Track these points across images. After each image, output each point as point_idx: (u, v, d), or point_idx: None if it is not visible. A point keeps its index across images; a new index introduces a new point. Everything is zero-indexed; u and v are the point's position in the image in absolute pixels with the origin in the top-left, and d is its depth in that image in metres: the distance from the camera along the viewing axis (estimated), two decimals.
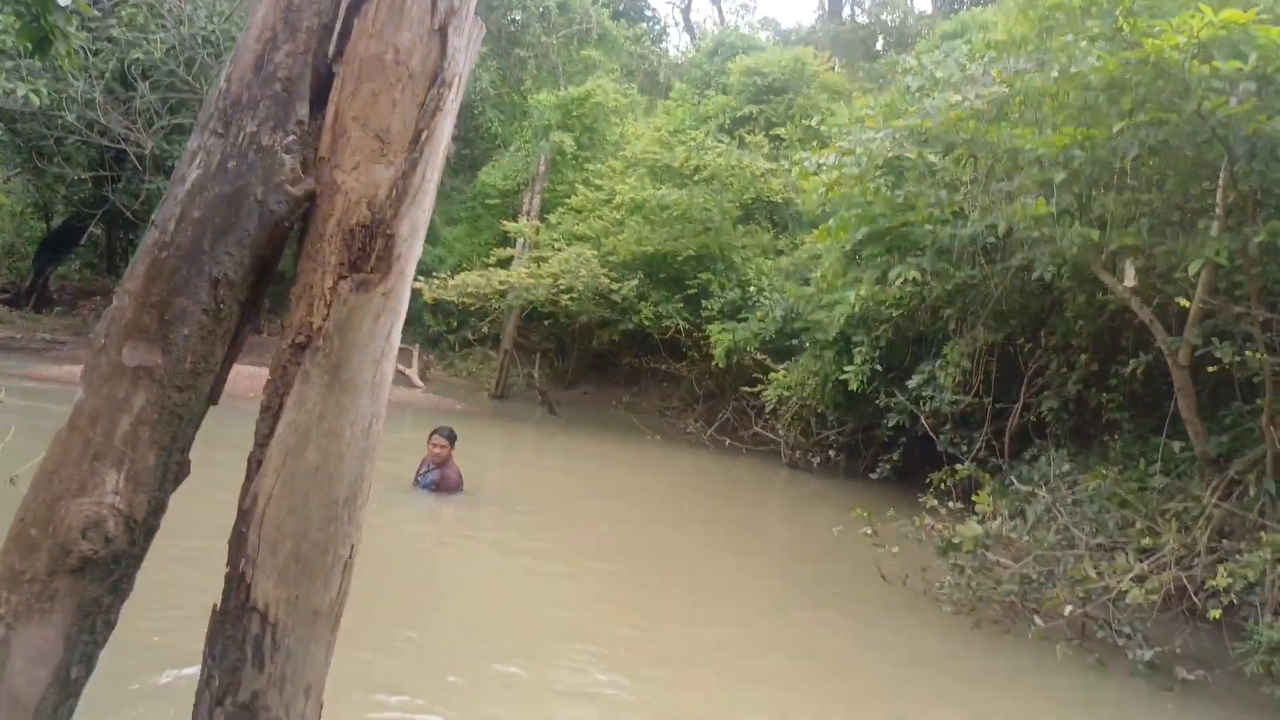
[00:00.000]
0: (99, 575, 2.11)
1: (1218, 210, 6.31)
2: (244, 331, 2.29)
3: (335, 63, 2.25)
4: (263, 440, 2.25)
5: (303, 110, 2.20)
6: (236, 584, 2.26)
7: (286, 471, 2.21)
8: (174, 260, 2.08)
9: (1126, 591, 5.30)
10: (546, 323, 18.22)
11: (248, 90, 2.17)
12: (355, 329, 2.22)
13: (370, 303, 2.24)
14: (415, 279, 2.77)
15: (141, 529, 2.16)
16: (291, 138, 2.16)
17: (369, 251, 2.23)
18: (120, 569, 2.16)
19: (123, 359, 2.07)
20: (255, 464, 2.26)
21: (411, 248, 2.32)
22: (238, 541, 2.27)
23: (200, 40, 15.72)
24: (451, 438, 8.41)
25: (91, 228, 18.74)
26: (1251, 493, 6.05)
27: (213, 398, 2.26)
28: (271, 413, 2.24)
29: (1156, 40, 5.13)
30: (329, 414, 2.21)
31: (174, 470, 2.21)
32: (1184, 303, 6.48)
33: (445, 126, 2.34)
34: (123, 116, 15.59)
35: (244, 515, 2.26)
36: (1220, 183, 6.27)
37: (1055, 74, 6.09)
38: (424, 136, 2.26)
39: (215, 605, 2.30)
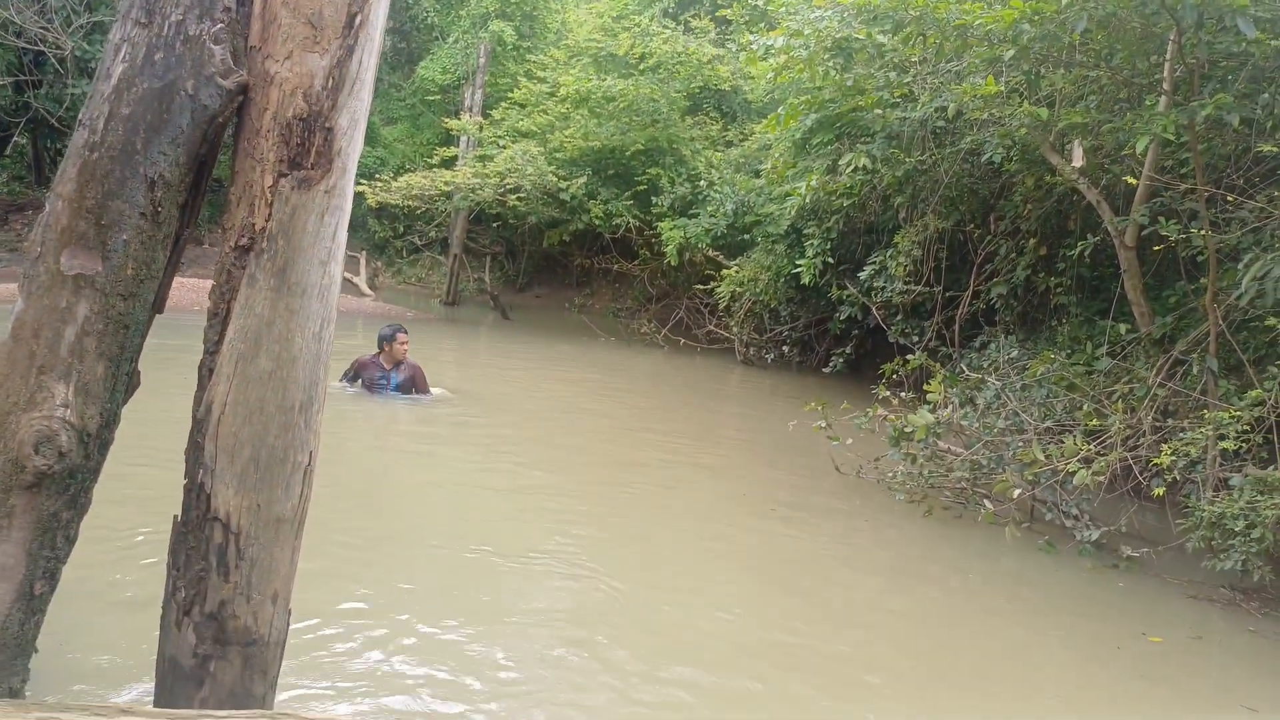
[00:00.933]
0: (55, 490, 2.07)
1: (1164, 85, 6.31)
2: (184, 235, 2.21)
3: None
4: (212, 348, 2.20)
5: None
6: (196, 494, 2.23)
7: (239, 378, 2.17)
8: (106, 161, 1.99)
9: (1074, 473, 5.46)
10: (495, 225, 17.92)
11: None
12: (299, 229, 2.15)
13: (313, 200, 2.17)
14: (357, 182, 2.67)
15: (95, 441, 2.12)
16: (219, 26, 2.05)
17: (308, 146, 2.14)
18: (77, 483, 2.12)
19: (61, 267, 1.99)
20: (206, 372, 2.21)
21: (352, 141, 2.23)
22: (194, 451, 2.24)
23: None
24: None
25: (15, 137, 17.84)
26: (1195, 371, 6.21)
27: (158, 306, 2.20)
28: (219, 319, 2.18)
29: None
30: (278, 319, 2.16)
31: (124, 381, 2.16)
32: (1131, 181, 6.53)
33: (380, 10, 2.23)
34: (38, 16, 14.67)
35: (199, 424, 2.23)
36: (1168, 56, 6.26)
37: None
38: (358, 21, 2.15)
39: (175, 516, 2.28)
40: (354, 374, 8.12)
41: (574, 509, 5.64)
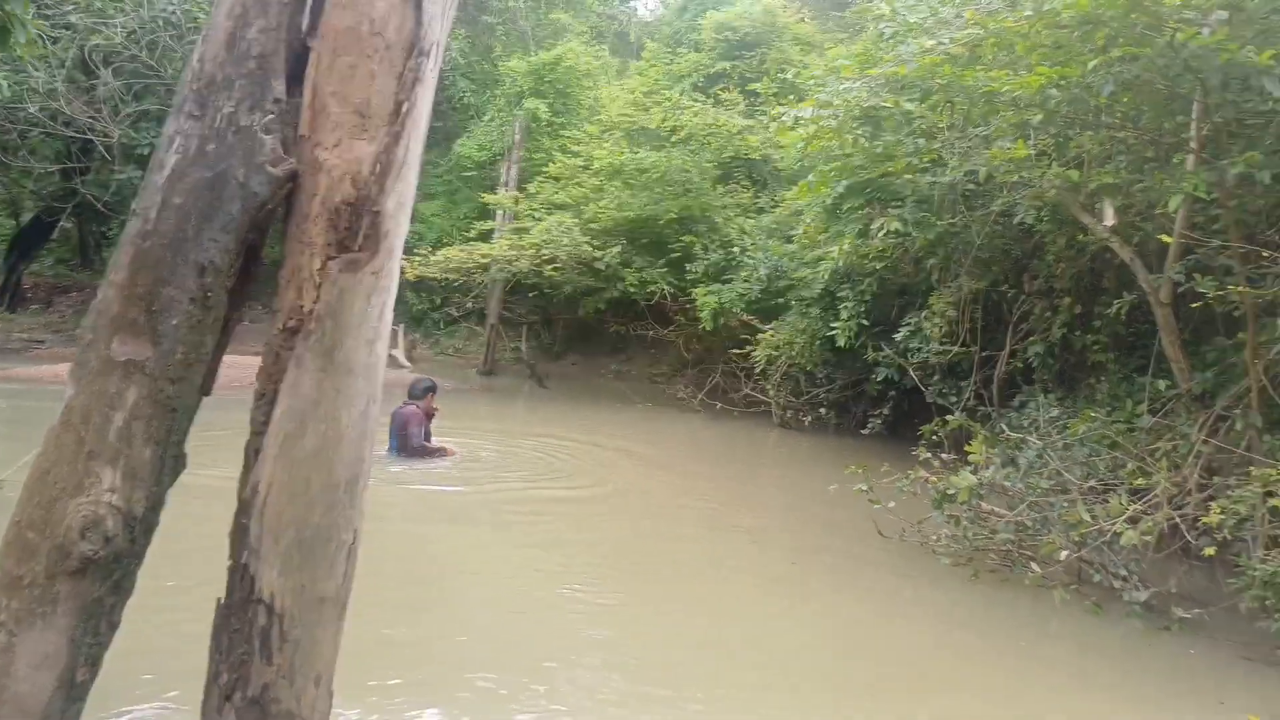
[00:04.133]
0: (100, 575, 2.07)
1: (1192, 143, 6.29)
2: (233, 319, 2.24)
3: (310, 37, 2.18)
4: (259, 428, 2.21)
5: (279, 88, 2.14)
6: (240, 575, 2.22)
7: (285, 458, 2.17)
8: (158, 249, 2.03)
9: (1121, 533, 5.32)
10: (531, 295, 18.11)
11: (221, 70, 2.10)
12: (347, 310, 2.18)
13: (360, 282, 2.20)
14: None
15: (141, 526, 2.12)
16: (270, 117, 2.10)
17: (356, 230, 2.18)
18: (121, 568, 2.12)
19: (112, 353, 2.02)
20: (253, 453, 2.22)
21: (399, 224, 2.27)
22: (239, 532, 2.24)
23: (161, 23, 15.30)
24: None
25: (62, 221, 18.41)
26: (1238, 427, 6.06)
27: (205, 388, 2.22)
28: (267, 400, 2.20)
29: None
30: (325, 398, 2.18)
31: (170, 464, 2.17)
32: (1165, 239, 6.47)
33: (425, 97, 2.28)
34: (86, 105, 15.25)
35: (244, 506, 2.23)
36: (1194, 115, 6.25)
37: (1029, 13, 6.03)
38: (405, 109, 2.20)
39: (219, 599, 2.27)
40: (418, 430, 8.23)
41: (618, 580, 5.58)
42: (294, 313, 2.17)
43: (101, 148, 15.69)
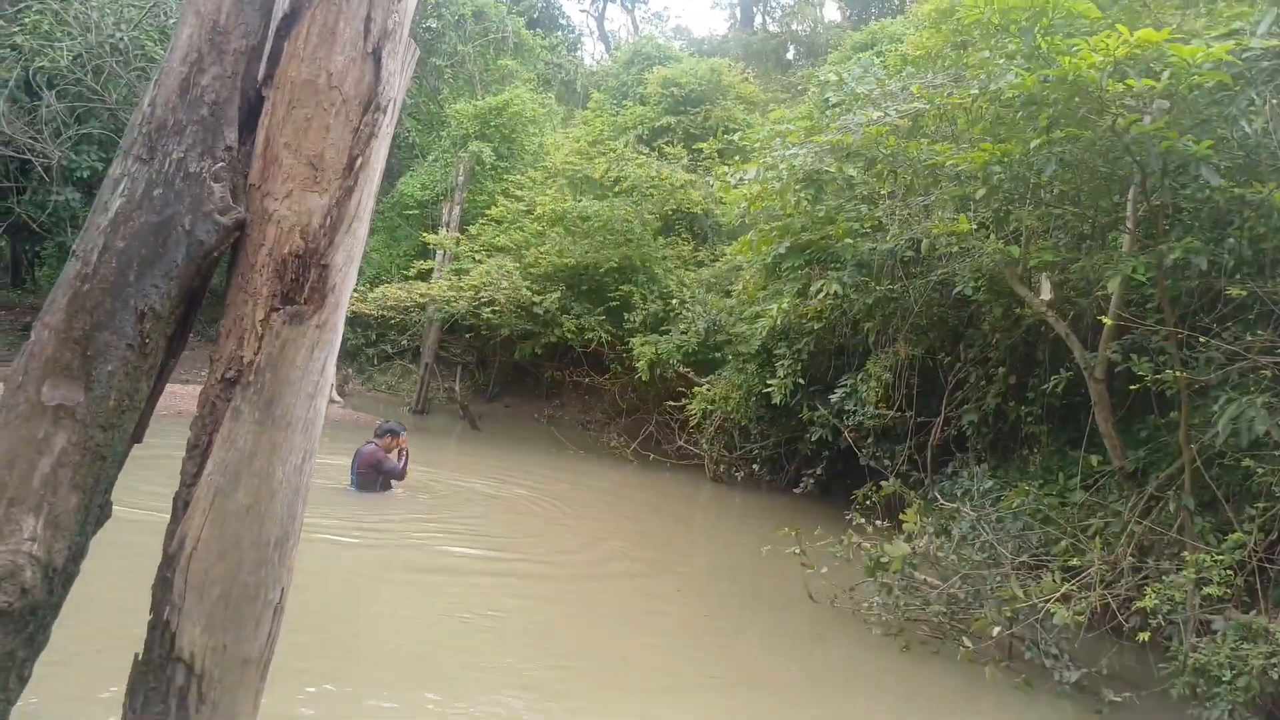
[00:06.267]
0: (14, 628, 1.97)
1: (1129, 223, 6.50)
2: (170, 365, 2.18)
3: (265, 87, 2.16)
4: (190, 480, 2.14)
5: (231, 136, 2.12)
6: (160, 632, 2.14)
7: (215, 513, 2.11)
8: (97, 293, 1.97)
9: (1054, 612, 5.36)
10: (468, 335, 17.99)
11: (173, 114, 2.07)
12: (288, 363, 2.14)
13: (304, 335, 2.16)
14: None
15: (61, 577, 2.03)
16: (220, 164, 2.07)
17: (302, 282, 2.15)
18: (37, 620, 2.02)
19: (42, 398, 1.95)
20: (182, 505, 2.15)
21: (347, 277, 2.25)
22: (162, 587, 2.16)
23: (108, 48, 15.08)
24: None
25: None
26: (1171, 508, 6.14)
27: (137, 436, 2.15)
28: (200, 451, 2.14)
29: (1074, 59, 5.28)
30: (260, 452, 2.13)
31: (95, 513, 2.09)
32: (1103, 320, 6.62)
33: (380, 152, 2.27)
34: (28, 126, 14.89)
35: (169, 559, 2.15)
36: (1131, 197, 6.47)
37: (975, 91, 6.23)
38: (359, 163, 2.19)
39: (136, 655, 2.18)
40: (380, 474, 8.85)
41: (536, 624, 5.48)
42: (234, 363, 2.13)
43: (40, 169, 15.32)
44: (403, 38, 2.32)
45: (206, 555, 2.11)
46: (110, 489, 2.14)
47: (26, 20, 14.73)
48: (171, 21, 15.28)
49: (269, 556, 2.17)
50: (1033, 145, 5.93)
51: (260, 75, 2.19)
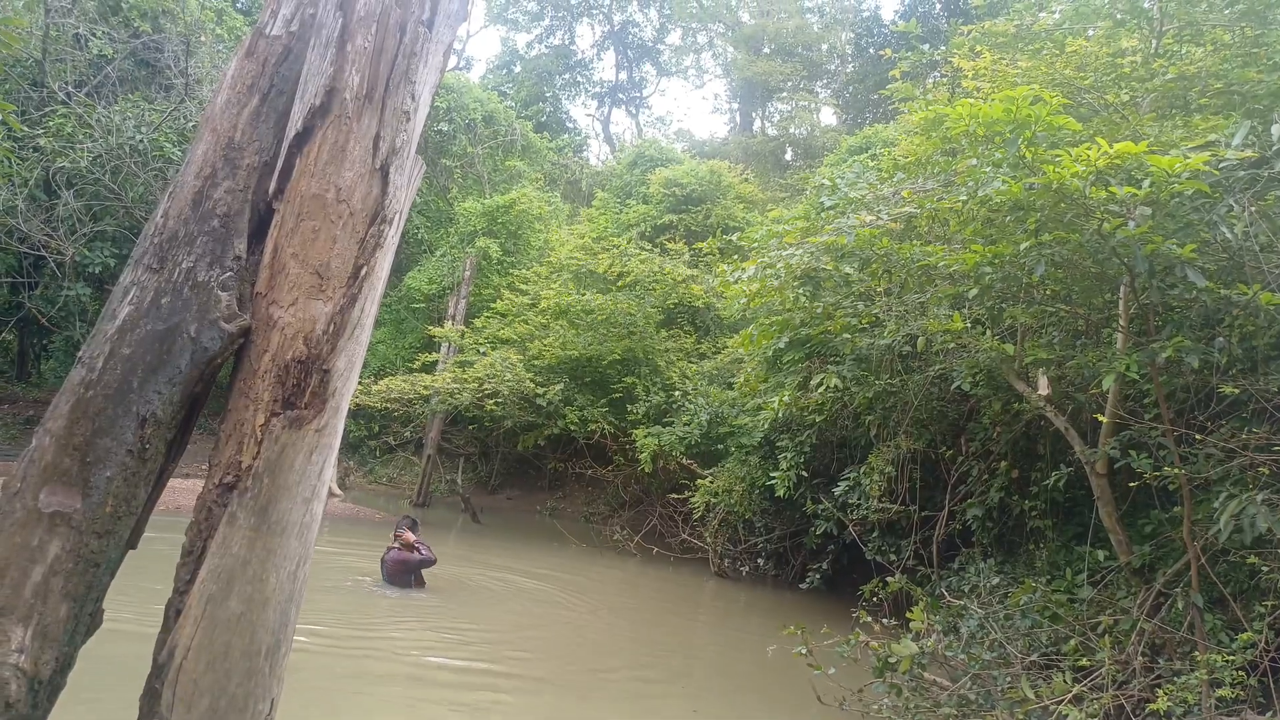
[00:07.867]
0: None
1: (1121, 321, 6.57)
2: (169, 471, 2.20)
3: (275, 200, 2.23)
4: (183, 587, 2.13)
5: (240, 246, 2.18)
6: None
7: (207, 621, 2.09)
8: (100, 399, 2.00)
9: (1066, 714, 5.23)
10: (471, 427, 18.00)
11: (185, 226, 2.13)
12: (286, 468, 2.15)
13: (303, 440, 2.18)
14: None
15: (46, 689, 2.01)
16: (228, 274, 2.12)
17: (304, 387, 2.18)
18: None
19: (39, 504, 1.95)
20: (174, 613, 2.14)
21: (347, 383, 2.28)
22: (149, 698, 2.13)
23: (128, 149, 15.55)
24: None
25: (4, 333, 18.11)
26: (1180, 605, 6.05)
27: (132, 542, 2.15)
28: (194, 557, 2.13)
29: (1057, 168, 5.42)
30: (255, 559, 2.12)
31: (86, 622, 2.07)
32: (1100, 418, 6.62)
33: (385, 262, 2.33)
34: (44, 224, 15.24)
35: (159, 669, 2.13)
36: (1121, 295, 6.55)
37: (964, 197, 6.37)
38: (363, 272, 2.25)
39: None
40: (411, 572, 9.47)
41: None
42: (232, 468, 2.14)
43: (53, 264, 15.61)
44: (410, 154, 2.40)
45: (196, 665, 2.08)
46: (102, 597, 2.12)
47: (51, 123, 15.21)
48: (190, 124, 15.75)
49: (259, 666, 2.14)
50: (1022, 247, 6.01)
51: (271, 189, 2.26)
